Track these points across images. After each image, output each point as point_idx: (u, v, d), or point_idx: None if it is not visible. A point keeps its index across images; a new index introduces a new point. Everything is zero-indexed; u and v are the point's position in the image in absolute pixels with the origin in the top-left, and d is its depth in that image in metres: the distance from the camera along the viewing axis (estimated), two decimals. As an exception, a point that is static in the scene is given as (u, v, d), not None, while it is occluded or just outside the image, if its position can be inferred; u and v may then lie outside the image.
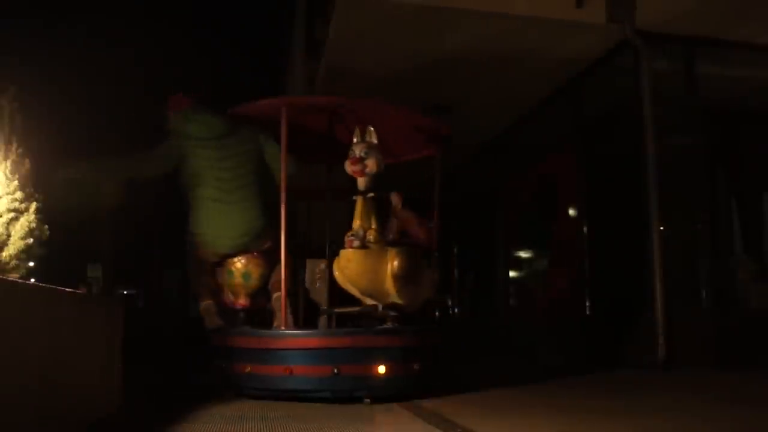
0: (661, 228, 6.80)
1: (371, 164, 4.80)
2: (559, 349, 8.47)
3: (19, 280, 3.25)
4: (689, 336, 6.55)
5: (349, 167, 4.86)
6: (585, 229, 8.52)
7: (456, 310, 13.57)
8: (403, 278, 4.77)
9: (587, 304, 8.29)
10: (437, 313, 5.58)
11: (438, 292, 5.40)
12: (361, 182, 4.86)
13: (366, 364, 4.57)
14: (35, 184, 3.66)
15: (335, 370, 4.47)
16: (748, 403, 4.39)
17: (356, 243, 4.77)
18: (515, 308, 10.86)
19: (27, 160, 3.61)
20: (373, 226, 4.82)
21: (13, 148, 3.54)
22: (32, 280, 3.52)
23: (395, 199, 5.44)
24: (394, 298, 4.83)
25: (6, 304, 2.40)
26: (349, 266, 4.81)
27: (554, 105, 9.16)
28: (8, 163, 3.49)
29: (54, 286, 3.06)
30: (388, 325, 4.81)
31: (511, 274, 11.06)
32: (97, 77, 15.47)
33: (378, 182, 4.87)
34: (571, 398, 4.85)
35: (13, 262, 3.41)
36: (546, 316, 9.37)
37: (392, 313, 4.84)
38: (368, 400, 4.49)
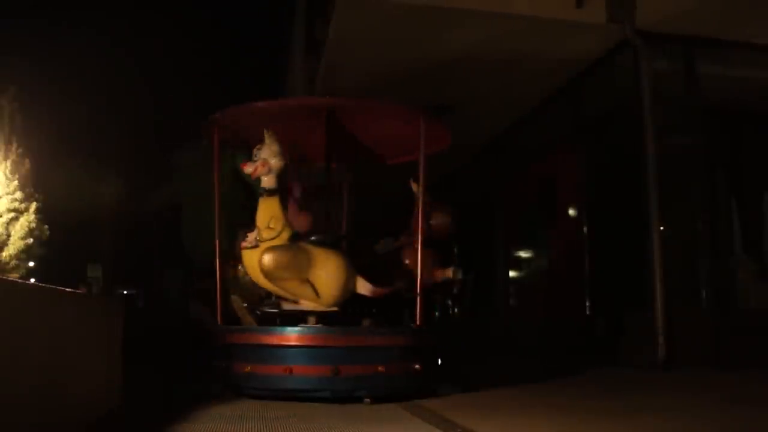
0: (661, 228, 6.80)
1: (259, 165, 4.92)
2: (559, 349, 8.47)
3: (19, 280, 3.25)
4: (689, 336, 6.55)
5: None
6: (585, 229, 8.52)
7: (456, 310, 13.57)
8: (270, 275, 4.75)
9: (587, 304, 8.30)
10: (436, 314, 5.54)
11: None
12: (263, 182, 4.97)
13: (366, 363, 4.57)
14: (35, 184, 3.67)
15: (335, 370, 4.47)
16: (748, 403, 4.39)
17: (245, 243, 4.91)
18: (515, 308, 10.86)
19: (27, 160, 3.62)
20: (272, 225, 4.85)
21: (13, 148, 3.55)
22: (32, 280, 3.52)
23: (413, 187, 5.49)
24: (287, 295, 4.88)
25: (6, 304, 2.40)
26: (245, 266, 4.97)
27: (554, 105, 9.16)
28: (8, 163, 3.50)
29: (54, 286, 3.06)
30: (311, 324, 4.82)
31: (511, 274, 11.06)
32: (97, 77, 15.48)
33: (281, 181, 5.00)
34: (571, 398, 4.85)
35: (13, 262, 3.42)
36: (546, 316, 9.38)
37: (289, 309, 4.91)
38: (368, 400, 4.49)
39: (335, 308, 4.82)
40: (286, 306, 4.95)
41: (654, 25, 7.05)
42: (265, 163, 4.92)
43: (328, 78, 8.33)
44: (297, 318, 4.92)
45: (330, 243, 4.97)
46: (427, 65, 7.92)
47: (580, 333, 8.15)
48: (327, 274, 4.76)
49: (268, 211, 4.91)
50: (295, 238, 4.89)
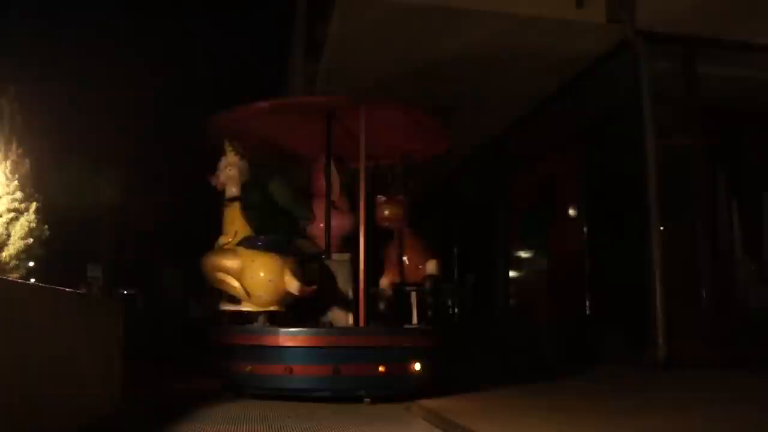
0: (661, 228, 6.80)
1: (216, 177, 5.36)
2: (559, 349, 8.47)
3: (19, 280, 3.25)
4: (689, 336, 6.54)
5: None
6: (585, 229, 8.51)
7: (456, 310, 13.57)
8: (207, 277, 5.17)
9: (587, 304, 8.29)
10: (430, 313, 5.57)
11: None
12: (226, 192, 5.34)
13: (366, 363, 4.57)
14: (35, 184, 3.67)
15: (335, 370, 4.47)
16: (748, 403, 4.39)
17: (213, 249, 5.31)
18: (515, 308, 10.86)
19: (27, 160, 3.62)
20: (227, 230, 5.24)
21: (13, 148, 3.55)
22: (32, 280, 3.52)
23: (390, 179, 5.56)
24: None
25: (6, 304, 2.40)
26: None
27: (554, 105, 9.15)
28: (8, 163, 3.50)
29: (54, 286, 3.06)
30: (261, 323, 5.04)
31: (511, 274, 11.05)
32: (97, 77, 15.48)
33: (243, 189, 5.34)
34: (571, 398, 4.85)
35: (13, 262, 3.42)
36: (546, 316, 9.37)
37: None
38: (368, 400, 4.49)
39: (272, 308, 4.98)
40: (226, 306, 5.21)
41: (654, 25, 7.04)
42: (220, 174, 5.31)
43: (328, 78, 8.32)
44: (246, 318, 5.16)
45: (263, 246, 5.11)
46: (427, 65, 7.90)
47: (579, 333, 8.15)
48: (252, 275, 4.96)
49: (228, 218, 5.28)
50: (243, 242, 5.15)
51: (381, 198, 5.60)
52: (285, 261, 4.92)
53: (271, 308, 4.97)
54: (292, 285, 4.82)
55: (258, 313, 5.00)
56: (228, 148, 5.28)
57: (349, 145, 6.06)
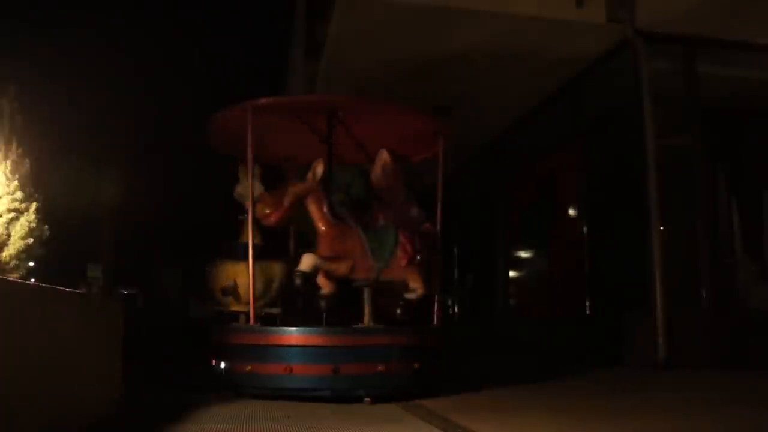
0: (661, 228, 6.80)
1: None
2: (559, 349, 8.47)
3: (19, 280, 3.25)
4: (689, 336, 6.55)
5: None
6: (585, 229, 8.51)
7: (456, 310, 13.58)
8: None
9: (587, 304, 8.29)
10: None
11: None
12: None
13: (366, 363, 4.57)
14: (35, 184, 3.66)
15: (335, 369, 4.47)
16: (748, 403, 4.39)
17: None
18: (515, 308, 10.87)
19: (27, 160, 3.61)
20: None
21: (13, 148, 3.55)
22: (32, 280, 3.51)
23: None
24: None
25: (6, 304, 2.40)
26: None
27: (554, 105, 9.16)
28: (8, 163, 3.50)
29: (54, 286, 3.06)
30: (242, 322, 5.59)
31: (511, 274, 11.06)
32: (97, 77, 15.48)
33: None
34: (571, 398, 4.85)
35: (13, 262, 3.42)
36: (546, 316, 9.38)
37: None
38: (368, 400, 4.49)
39: (232, 308, 5.60)
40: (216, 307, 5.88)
41: (654, 25, 7.04)
42: (235, 192, 5.86)
43: (328, 78, 8.32)
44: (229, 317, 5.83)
45: (228, 254, 5.71)
46: (428, 65, 7.91)
47: (579, 333, 8.15)
48: (213, 280, 5.70)
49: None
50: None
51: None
52: (230, 266, 5.56)
53: (232, 308, 5.62)
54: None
55: (231, 313, 5.64)
56: (240, 170, 5.79)
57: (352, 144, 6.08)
